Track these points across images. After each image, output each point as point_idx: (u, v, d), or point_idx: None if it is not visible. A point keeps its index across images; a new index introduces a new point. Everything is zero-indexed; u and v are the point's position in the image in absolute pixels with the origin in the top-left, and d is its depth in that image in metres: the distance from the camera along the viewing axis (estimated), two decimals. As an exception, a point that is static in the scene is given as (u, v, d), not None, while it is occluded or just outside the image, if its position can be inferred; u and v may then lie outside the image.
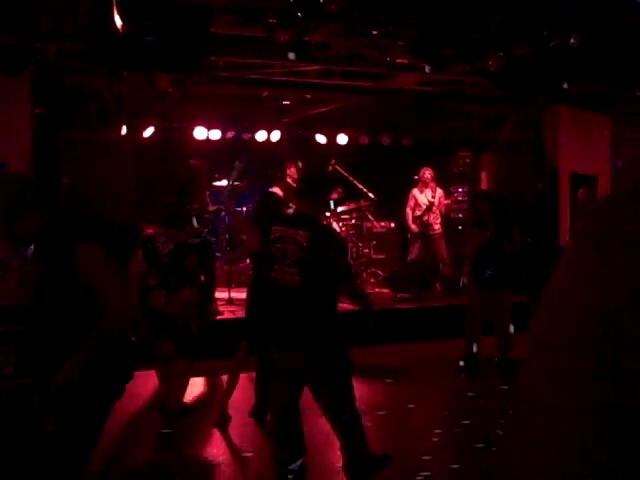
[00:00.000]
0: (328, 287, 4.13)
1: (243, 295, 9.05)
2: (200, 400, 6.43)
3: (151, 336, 5.57)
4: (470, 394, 6.54)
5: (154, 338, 5.59)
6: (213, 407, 6.30)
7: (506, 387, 6.75)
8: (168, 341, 5.65)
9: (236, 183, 9.30)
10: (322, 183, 4.52)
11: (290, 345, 4.11)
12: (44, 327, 3.02)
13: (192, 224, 5.86)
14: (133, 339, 3.48)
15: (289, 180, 9.34)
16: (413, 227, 10.48)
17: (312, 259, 4.02)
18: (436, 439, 5.35)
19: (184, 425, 5.62)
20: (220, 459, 5.11)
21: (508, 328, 7.40)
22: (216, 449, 5.32)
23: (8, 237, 3.17)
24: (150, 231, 6.19)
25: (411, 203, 10.51)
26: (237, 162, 7.00)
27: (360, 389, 6.78)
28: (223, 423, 5.56)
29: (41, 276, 3.02)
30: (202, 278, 8.34)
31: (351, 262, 9.92)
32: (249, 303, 5.61)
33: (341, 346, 4.26)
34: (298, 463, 4.16)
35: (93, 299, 2.92)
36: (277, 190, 9.16)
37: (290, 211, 4.64)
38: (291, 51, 7.32)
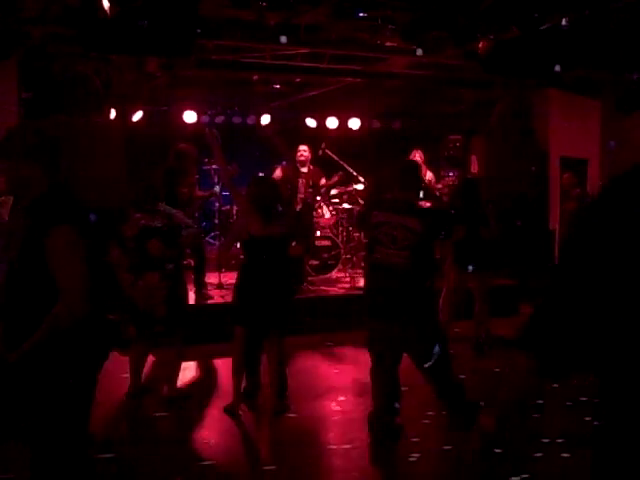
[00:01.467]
0: (432, 267, 4.80)
1: (233, 279, 9.13)
2: (193, 385, 6.44)
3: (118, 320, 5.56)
4: (461, 376, 6.58)
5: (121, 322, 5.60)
6: (206, 392, 6.33)
7: (497, 369, 6.79)
8: (131, 325, 5.70)
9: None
10: (419, 172, 5.11)
11: (400, 319, 4.65)
12: (17, 311, 2.99)
13: (163, 207, 5.83)
14: (111, 318, 3.50)
15: (302, 159, 9.31)
16: None
17: (424, 244, 4.61)
18: (427, 421, 5.38)
19: (179, 410, 5.63)
20: (215, 444, 5.13)
21: (486, 311, 7.48)
22: (208, 433, 5.34)
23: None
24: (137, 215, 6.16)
25: None
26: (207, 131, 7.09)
27: (350, 373, 6.83)
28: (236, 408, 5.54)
29: (24, 243, 2.98)
30: (192, 262, 8.38)
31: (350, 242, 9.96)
32: (239, 287, 5.59)
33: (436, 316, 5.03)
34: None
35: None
36: (278, 172, 9.14)
37: (388, 197, 4.94)
38: (281, 34, 7.28)
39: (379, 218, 4.68)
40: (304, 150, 9.41)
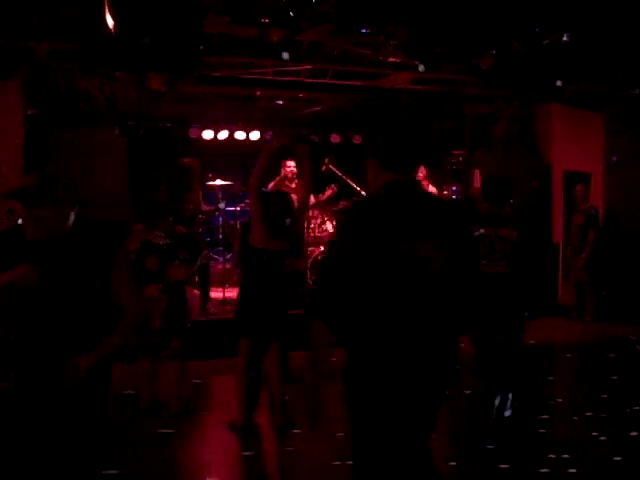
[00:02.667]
0: (531, 275, 5.06)
1: (238, 295, 9.11)
2: (198, 400, 6.41)
3: None
4: (464, 391, 6.55)
5: None
6: (210, 407, 6.31)
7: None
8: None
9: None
10: (508, 184, 5.40)
11: (500, 328, 4.93)
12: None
13: (167, 225, 5.84)
14: None
15: (291, 175, 9.26)
16: None
17: (521, 253, 4.89)
18: (433, 436, 5.35)
19: (184, 425, 5.60)
20: (219, 459, 5.10)
21: None
22: (215, 449, 5.32)
23: None
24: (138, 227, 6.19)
25: None
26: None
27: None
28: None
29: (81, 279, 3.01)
30: (196, 277, 8.38)
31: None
32: (241, 298, 5.56)
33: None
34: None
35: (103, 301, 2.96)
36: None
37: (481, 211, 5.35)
38: (284, 51, 7.31)
39: (479, 232, 4.97)
40: (292, 165, 9.27)
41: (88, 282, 2.97)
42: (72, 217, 3.04)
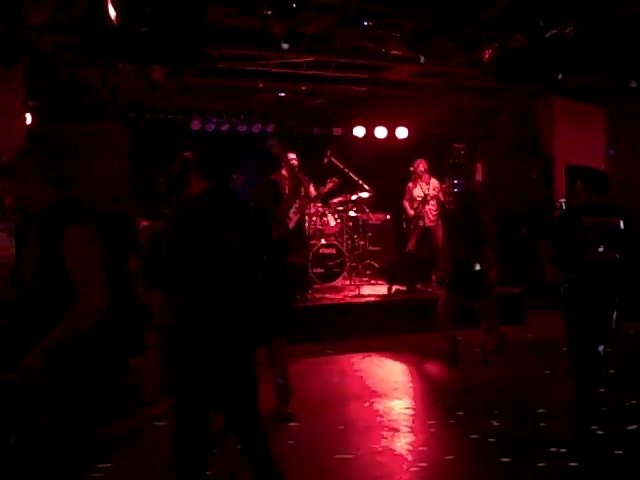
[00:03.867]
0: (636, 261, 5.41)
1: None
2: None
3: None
4: (464, 385, 6.56)
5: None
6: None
7: (501, 378, 6.78)
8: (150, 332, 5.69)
9: None
10: (606, 176, 5.61)
11: (603, 309, 5.29)
12: (39, 312, 3.00)
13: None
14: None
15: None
16: (411, 212, 10.41)
17: (627, 239, 5.26)
18: (432, 430, 5.36)
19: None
20: (217, 452, 5.11)
21: (495, 324, 7.45)
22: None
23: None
24: (144, 223, 6.19)
25: (407, 197, 10.55)
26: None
27: (354, 381, 6.82)
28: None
29: (42, 256, 2.99)
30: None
31: (350, 254, 9.96)
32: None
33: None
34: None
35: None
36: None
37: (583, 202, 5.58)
38: (285, 42, 7.28)
39: (589, 221, 5.27)
40: (293, 158, 9.21)
41: (45, 263, 2.94)
42: (48, 195, 3.04)
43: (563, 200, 10.10)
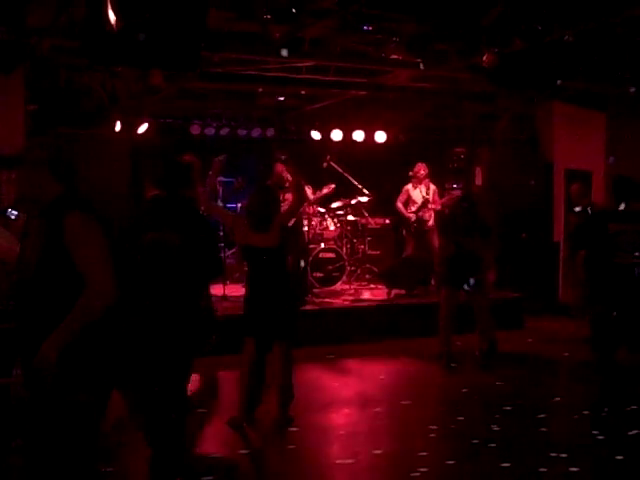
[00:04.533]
0: None
1: (237, 292, 9.12)
2: (196, 397, 6.41)
3: None
4: (464, 390, 6.56)
5: None
6: (209, 404, 6.31)
7: (500, 383, 6.77)
8: None
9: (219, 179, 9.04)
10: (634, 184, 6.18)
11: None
12: (37, 308, 2.99)
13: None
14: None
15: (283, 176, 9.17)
16: (411, 216, 10.30)
17: None
18: (432, 435, 5.35)
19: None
20: (217, 455, 5.10)
21: (491, 323, 7.44)
22: (213, 445, 5.32)
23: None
24: None
25: (402, 198, 10.35)
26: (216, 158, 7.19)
27: (352, 386, 6.81)
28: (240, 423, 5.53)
29: (43, 248, 2.99)
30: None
31: (345, 257, 9.95)
32: (247, 297, 5.57)
33: None
34: None
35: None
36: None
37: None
38: (284, 47, 7.29)
39: (616, 228, 5.70)
40: (282, 159, 9.10)
41: (46, 255, 2.94)
42: (53, 187, 3.04)
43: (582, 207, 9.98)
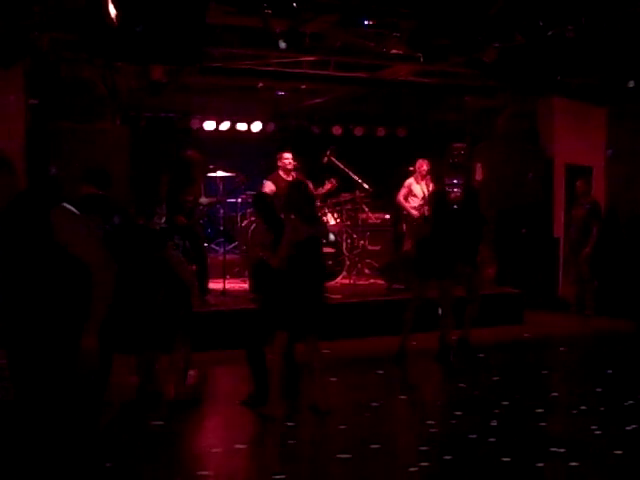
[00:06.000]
0: None
1: (237, 286, 9.13)
2: (196, 392, 6.42)
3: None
4: (462, 385, 6.56)
5: None
6: (212, 398, 6.32)
7: (498, 378, 6.78)
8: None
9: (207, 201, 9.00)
10: None
11: None
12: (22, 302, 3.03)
13: (157, 215, 5.93)
14: None
15: (288, 167, 9.15)
16: (414, 212, 10.25)
17: None
18: (431, 430, 5.36)
19: (183, 416, 5.61)
20: (213, 451, 5.11)
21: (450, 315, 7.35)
22: (210, 441, 5.33)
23: None
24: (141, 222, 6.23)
25: (403, 192, 10.29)
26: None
27: (353, 380, 6.82)
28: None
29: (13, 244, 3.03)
30: (194, 267, 8.36)
31: (346, 253, 9.96)
32: (283, 292, 5.48)
33: None
34: None
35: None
36: (270, 186, 9.02)
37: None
38: (283, 40, 7.27)
39: None
40: (289, 157, 9.19)
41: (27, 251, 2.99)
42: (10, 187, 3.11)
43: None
